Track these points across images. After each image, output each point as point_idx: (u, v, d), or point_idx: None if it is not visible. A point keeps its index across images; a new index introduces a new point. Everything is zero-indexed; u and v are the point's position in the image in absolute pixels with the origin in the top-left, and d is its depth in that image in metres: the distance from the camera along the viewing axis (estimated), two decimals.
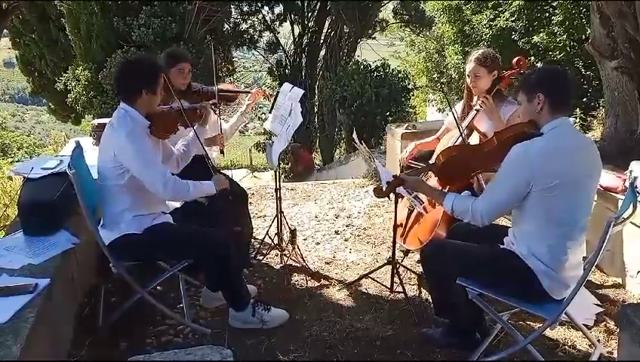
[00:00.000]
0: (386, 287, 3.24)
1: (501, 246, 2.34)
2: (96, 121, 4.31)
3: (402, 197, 3.09)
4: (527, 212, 2.16)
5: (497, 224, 2.56)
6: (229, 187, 2.76)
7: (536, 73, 2.33)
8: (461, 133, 2.91)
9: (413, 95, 12.19)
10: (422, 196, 3.16)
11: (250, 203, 4.20)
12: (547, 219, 2.12)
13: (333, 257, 3.79)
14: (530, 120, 2.23)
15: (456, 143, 3.13)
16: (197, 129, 2.95)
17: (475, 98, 3.19)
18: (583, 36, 7.58)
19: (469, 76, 3.14)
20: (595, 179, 2.21)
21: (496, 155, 2.24)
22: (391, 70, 10.41)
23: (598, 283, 3.28)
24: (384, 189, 2.61)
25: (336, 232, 4.28)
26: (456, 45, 10.50)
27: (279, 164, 3.49)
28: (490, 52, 3.14)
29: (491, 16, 9.17)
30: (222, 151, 3.35)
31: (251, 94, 3.52)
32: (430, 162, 3.01)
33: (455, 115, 2.91)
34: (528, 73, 2.36)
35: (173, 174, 2.57)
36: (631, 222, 2.62)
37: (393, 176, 2.64)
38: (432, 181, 3.04)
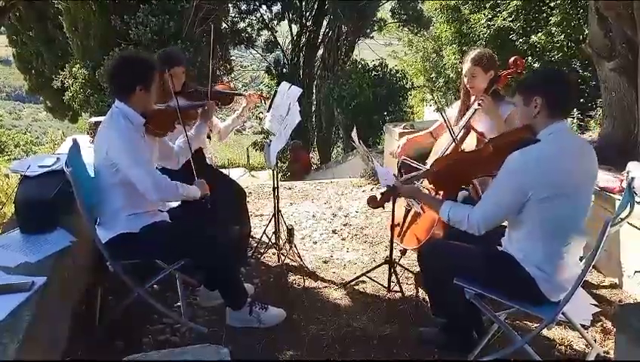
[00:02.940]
0: (384, 287, 3.24)
1: (499, 248, 2.33)
2: (94, 119, 4.30)
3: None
4: (522, 219, 2.14)
5: None
6: (209, 193, 2.75)
7: (534, 75, 2.29)
8: (454, 139, 2.90)
9: (410, 95, 12.21)
10: None
11: (248, 202, 4.19)
12: (544, 227, 2.11)
13: (331, 256, 3.79)
14: (525, 124, 2.19)
15: (450, 146, 3.13)
16: (199, 126, 2.97)
17: (473, 98, 3.19)
18: (581, 36, 7.59)
19: (465, 76, 3.13)
20: (592, 183, 2.20)
21: (493, 162, 2.20)
22: (389, 70, 10.41)
23: (595, 283, 3.28)
24: (378, 199, 2.57)
25: (334, 231, 4.28)
26: (454, 45, 10.50)
27: (277, 163, 3.49)
28: (486, 52, 3.13)
29: (489, 16, 9.17)
30: (209, 136, 3.34)
31: (247, 97, 3.51)
32: (426, 168, 3.00)
33: (445, 118, 2.91)
34: (526, 74, 2.34)
35: (170, 170, 2.55)
36: (628, 223, 2.63)
37: (387, 187, 2.61)
38: (426, 183, 3.04)
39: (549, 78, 2.20)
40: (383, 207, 2.72)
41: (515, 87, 2.34)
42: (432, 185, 2.75)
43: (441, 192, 2.80)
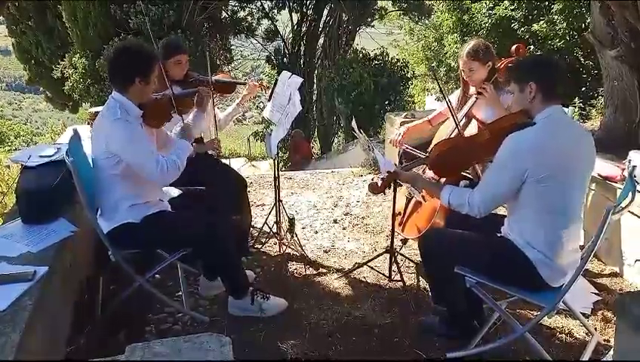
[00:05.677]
0: (385, 276, 3.25)
1: (499, 235, 2.34)
2: (94, 109, 4.31)
3: (401, 185, 3.09)
4: (521, 202, 2.16)
5: (495, 213, 2.56)
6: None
7: (526, 62, 2.34)
8: (457, 125, 2.88)
9: (411, 84, 12.17)
10: None
11: (249, 192, 4.20)
12: (541, 208, 2.13)
13: (332, 246, 3.80)
14: (522, 110, 2.23)
15: (452, 134, 3.12)
16: (196, 114, 2.95)
17: (473, 88, 3.17)
18: (583, 25, 7.54)
19: (463, 71, 3.11)
20: (588, 166, 2.22)
21: (490, 146, 2.24)
22: (390, 59, 10.37)
23: (596, 271, 3.29)
24: (379, 185, 2.59)
25: (335, 221, 4.29)
26: (455, 34, 10.43)
27: (278, 153, 3.48)
28: (480, 44, 3.07)
29: (490, 5, 9.11)
30: (218, 155, 3.34)
31: (248, 87, 3.50)
32: (425, 155, 2.99)
33: (450, 105, 2.89)
34: (517, 63, 2.35)
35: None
36: (629, 211, 2.63)
37: (388, 172, 2.62)
38: (429, 173, 3.03)
39: (540, 63, 2.27)
40: (384, 193, 2.73)
41: (508, 76, 2.37)
42: (432, 171, 2.77)
43: (443, 179, 2.80)
